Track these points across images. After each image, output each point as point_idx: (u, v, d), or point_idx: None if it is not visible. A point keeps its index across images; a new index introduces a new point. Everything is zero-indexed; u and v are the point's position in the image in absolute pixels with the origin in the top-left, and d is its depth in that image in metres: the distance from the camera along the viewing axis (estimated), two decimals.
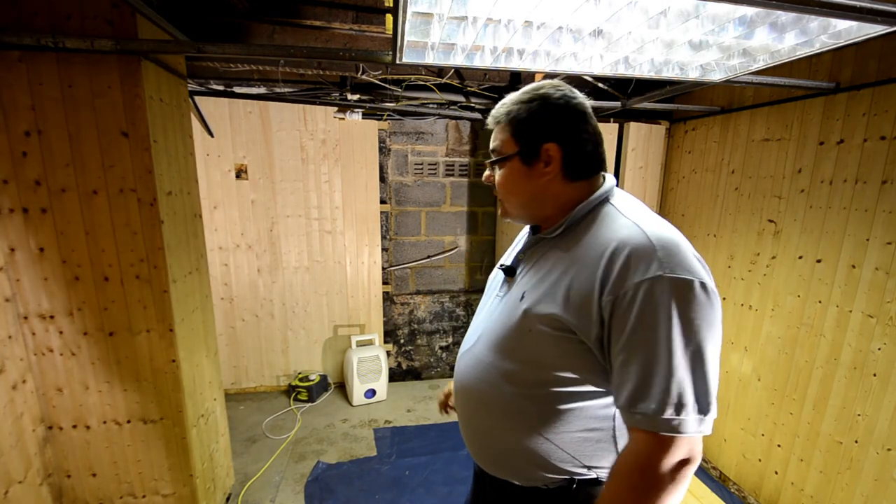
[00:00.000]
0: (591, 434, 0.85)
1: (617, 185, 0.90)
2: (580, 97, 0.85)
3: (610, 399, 0.84)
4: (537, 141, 0.84)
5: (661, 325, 0.69)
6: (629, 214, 0.80)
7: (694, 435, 0.70)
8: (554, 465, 0.87)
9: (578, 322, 0.77)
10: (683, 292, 0.69)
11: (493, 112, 0.91)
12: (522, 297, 0.86)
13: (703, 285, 0.70)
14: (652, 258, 0.71)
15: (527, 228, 1.05)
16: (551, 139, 0.83)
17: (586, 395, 0.83)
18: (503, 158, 0.88)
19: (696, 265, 0.72)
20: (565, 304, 0.78)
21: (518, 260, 0.96)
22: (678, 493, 0.72)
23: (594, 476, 0.87)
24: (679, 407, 0.69)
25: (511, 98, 0.88)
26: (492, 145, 0.91)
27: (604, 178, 0.89)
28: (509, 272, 0.95)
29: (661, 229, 0.76)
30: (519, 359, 0.86)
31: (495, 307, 0.95)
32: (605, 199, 0.86)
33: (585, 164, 0.86)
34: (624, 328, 0.72)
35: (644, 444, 0.72)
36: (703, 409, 0.70)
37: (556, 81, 0.87)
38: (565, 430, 0.85)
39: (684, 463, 0.71)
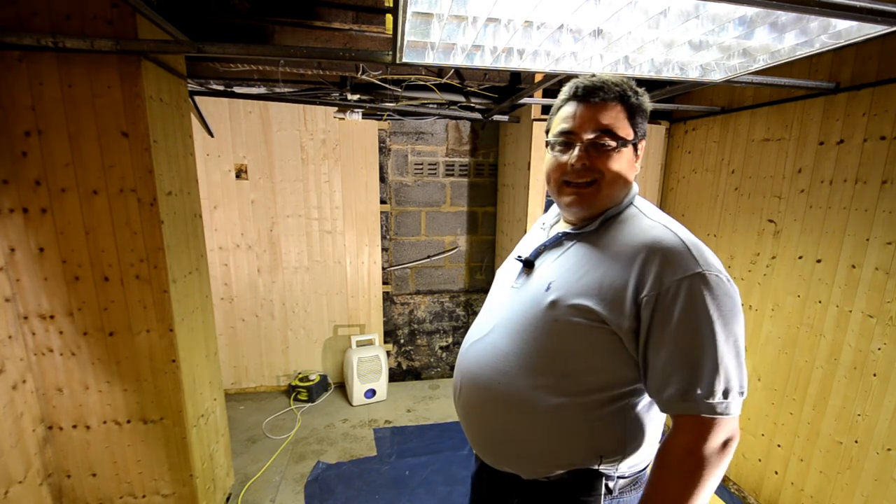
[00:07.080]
0: (605, 427, 0.86)
1: None
2: None
3: (628, 392, 0.86)
4: (642, 133, 0.89)
5: (704, 318, 0.75)
6: (653, 217, 0.87)
7: (737, 415, 0.78)
8: (564, 457, 0.88)
9: (610, 314, 0.81)
10: (717, 287, 0.76)
11: (599, 83, 0.85)
12: (549, 288, 0.88)
13: (729, 280, 0.78)
14: (688, 257, 0.78)
15: (539, 222, 1.09)
16: (645, 134, 0.89)
17: (605, 387, 0.85)
18: (627, 142, 0.86)
19: (718, 262, 0.80)
20: (598, 297, 0.82)
21: (538, 252, 0.97)
22: (723, 469, 0.79)
23: (593, 468, 0.88)
24: (726, 391, 0.76)
25: (617, 80, 0.86)
26: (603, 122, 0.84)
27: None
28: (528, 264, 0.97)
29: (685, 231, 0.84)
30: (541, 348, 0.87)
31: (513, 298, 0.95)
32: (630, 201, 0.92)
33: None
34: (669, 321, 0.77)
35: (693, 428, 0.77)
36: (743, 390, 0.78)
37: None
38: (582, 421, 0.86)
39: (729, 441, 0.78)
